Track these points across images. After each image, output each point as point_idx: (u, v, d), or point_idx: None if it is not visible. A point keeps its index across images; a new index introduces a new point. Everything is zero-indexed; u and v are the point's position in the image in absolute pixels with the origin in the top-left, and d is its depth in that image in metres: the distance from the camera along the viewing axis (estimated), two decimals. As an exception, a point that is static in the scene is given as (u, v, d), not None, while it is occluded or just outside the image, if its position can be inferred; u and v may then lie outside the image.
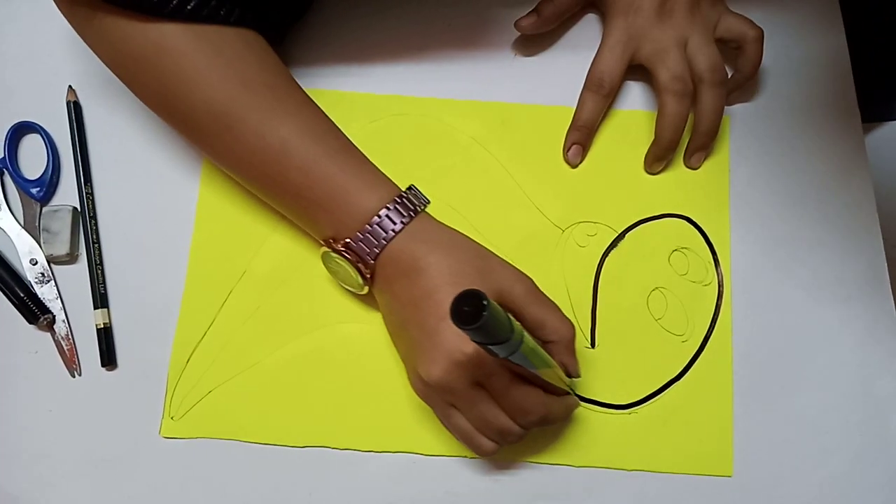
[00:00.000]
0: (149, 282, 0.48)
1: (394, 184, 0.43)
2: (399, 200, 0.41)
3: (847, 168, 0.50)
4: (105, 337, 0.46)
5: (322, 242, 0.43)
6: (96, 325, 0.47)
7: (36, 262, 0.48)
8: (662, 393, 0.46)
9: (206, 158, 0.49)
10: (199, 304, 0.47)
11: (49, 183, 0.49)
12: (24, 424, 0.46)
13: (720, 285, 0.48)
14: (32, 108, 0.50)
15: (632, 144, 0.50)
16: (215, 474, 0.45)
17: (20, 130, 0.50)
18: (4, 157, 0.49)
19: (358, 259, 0.41)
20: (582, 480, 0.45)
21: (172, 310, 0.47)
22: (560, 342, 0.41)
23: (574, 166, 0.50)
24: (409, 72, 0.51)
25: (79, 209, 0.49)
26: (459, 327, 0.29)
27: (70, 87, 0.51)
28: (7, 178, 0.50)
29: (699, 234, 0.49)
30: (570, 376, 0.42)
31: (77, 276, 0.48)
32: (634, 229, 0.49)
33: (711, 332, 0.47)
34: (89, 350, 0.47)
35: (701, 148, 0.49)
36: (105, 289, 0.48)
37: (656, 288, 0.48)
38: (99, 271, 0.48)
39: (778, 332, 0.47)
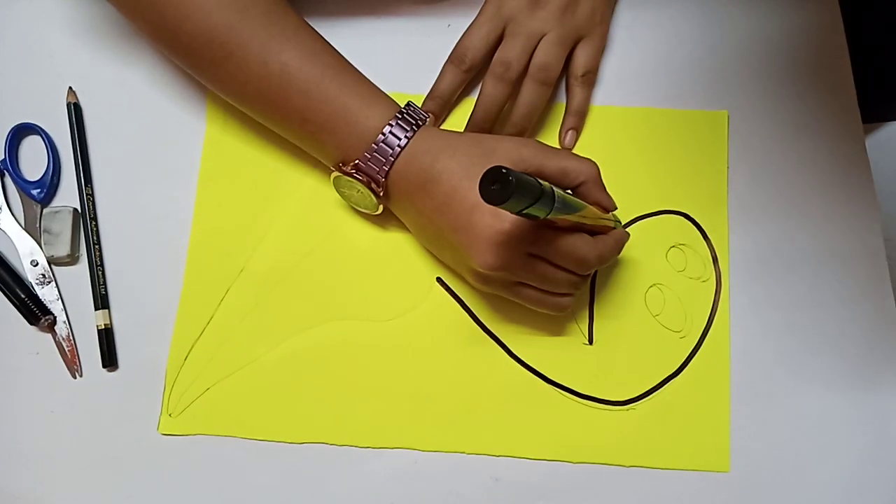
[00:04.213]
0: (149, 282, 0.48)
1: (392, 99, 0.45)
2: (400, 116, 0.43)
3: (847, 168, 0.50)
4: (106, 338, 0.47)
5: (332, 167, 0.44)
6: (97, 326, 0.47)
7: (37, 264, 0.48)
8: (660, 389, 0.46)
9: (205, 157, 0.50)
10: (198, 301, 0.47)
11: (50, 184, 0.49)
12: (25, 425, 0.46)
13: (718, 281, 0.48)
14: (33, 110, 0.51)
15: (629, 141, 0.50)
16: (214, 471, 0.45)
17: (21, 132, 0.50)
18: (5, 158, 0.49)
19: (369, 179, 0.43)
20: (581, 479, 0.45)
21: (173, 310, 0.47)
22: (587, 181, 0.42)
23: None
24: (409, 72, 0.51)
25: (79, 210, 0.49)
26: (497, 205, 0.30)
27: (70, 88, 0.51)
28: (8, 180, 0.50)
29: (697, 231, 0.49)
30: (606, 210, 0.44)
31: (78, 277, 0.48)
32: (632, 226, 0.49)
33: (709, 328, 0.47)
34: (90, 351, 0.47)
35: (513, 131, 0.48)
36: (106, 290, 0.48)
37: (654, 284, 0.48)
38: (99, 272, 0.48)
39: (776, 329, 0.47)
